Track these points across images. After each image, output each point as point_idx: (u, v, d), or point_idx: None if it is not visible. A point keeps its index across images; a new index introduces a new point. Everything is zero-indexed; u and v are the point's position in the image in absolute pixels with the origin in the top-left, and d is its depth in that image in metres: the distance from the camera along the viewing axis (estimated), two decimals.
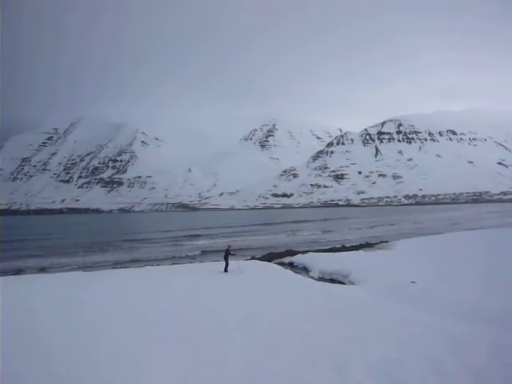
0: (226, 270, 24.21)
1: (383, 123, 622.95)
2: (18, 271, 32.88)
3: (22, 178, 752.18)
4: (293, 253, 35.87)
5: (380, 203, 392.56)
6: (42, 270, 34.28)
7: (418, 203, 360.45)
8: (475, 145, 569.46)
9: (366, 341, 10.77)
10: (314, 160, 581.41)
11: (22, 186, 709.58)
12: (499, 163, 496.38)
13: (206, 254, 43.47)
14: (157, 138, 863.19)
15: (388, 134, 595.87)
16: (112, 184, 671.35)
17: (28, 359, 9.98)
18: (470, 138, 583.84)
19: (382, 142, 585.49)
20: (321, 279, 24.47)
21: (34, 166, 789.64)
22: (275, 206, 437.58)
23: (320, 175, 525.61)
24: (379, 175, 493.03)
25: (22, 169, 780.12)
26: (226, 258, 24.64)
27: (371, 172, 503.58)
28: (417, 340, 10.71)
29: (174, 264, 34.25)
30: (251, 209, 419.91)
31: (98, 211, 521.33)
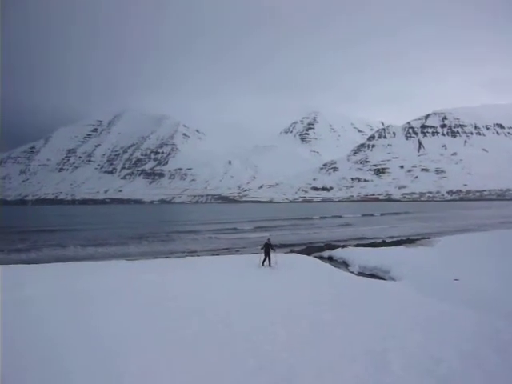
0: (266, 264, 23.48)
1: (427, 116, 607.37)
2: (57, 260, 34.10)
3: (67, 169, 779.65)
4: (332, 247, 35.68)
5: (422, 198, 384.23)
6: (85, 258, 35.39)
7: (461, 199, 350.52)
8: None
9: (408, 337, 10.65)
10: (355, 153, 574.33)
11: (68, 177, 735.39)
12: None
13: (245, 245, 43.74)
14: (198, 131, 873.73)
15: (432, 127, 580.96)
16: (153, 175, 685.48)
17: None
18: None
19: (425, 135, 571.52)
20: (360, 274, 24.23)
21: (79, 157, 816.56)
22: (314, 199, 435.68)
23: (360, 169, 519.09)
24: (422, 170, 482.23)
25: (68, 160, 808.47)
26: (266, 252, 23.53)
27: (413, 166, 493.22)
28: (460, 338, 10.51)
29: (213, 255, 34.75)
30: (290, 202, 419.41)
31: (139, 202, 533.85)
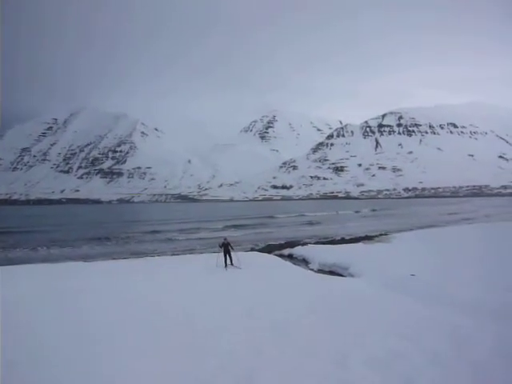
0: (226, 265, 23.04)
1: (384, 116, 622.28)
2: (9, 261, 32.88)
3: (21, 168, 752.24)
4: (292, 245, 35.89)
5: (379, 196, 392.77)
6: (40, 260, 34.25)
7: (417, 196, 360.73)
8: (476, 138, 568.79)
9: (367, 333, 10.81)
10: (314, 152, 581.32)
11: (22, 176, 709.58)
12: (500, 157, 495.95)
13: (206, 245, 43.46)
14: (156, 129, 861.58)
15: (388, 126, 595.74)
16: (112, 175, 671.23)
17: (23, 348, 10.01)
18: (470, 132, 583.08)
19: (382, 134, 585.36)
20: (320, 271, 24.50)
21: (34, 156, 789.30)
22: (274, 197, 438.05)
23: (320, 167, 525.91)
24: (379, 168, 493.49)
25: (22, 159, 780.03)
26: (225, 252, 23.28)
27: (371, 164, 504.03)
28: (418, 333, 10.74)
29: (173, 255, 34.36)
30: (250, 200, 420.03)
31: (97, 202, 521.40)
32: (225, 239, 23.87)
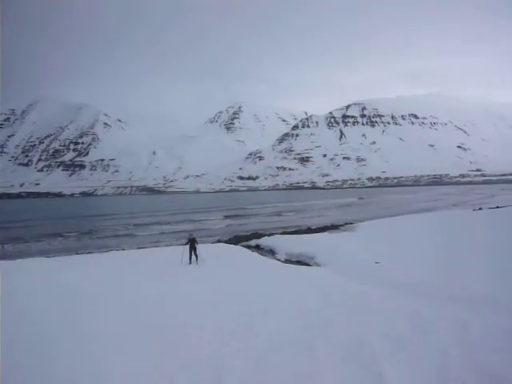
0: (193, 260, 22.43)
1: (348, 106, 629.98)
2: None
3: None
4: (259, 235, 35.99)
5: (344, 186, 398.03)
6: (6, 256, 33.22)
7: (380, 185, 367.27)
8: (436, 129, 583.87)
9: (331, 322, 10.92)
10: (280, 143, 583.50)
11: None
12: (458, 147, 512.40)
13: (172, 238, 43.11)
14: (120, 120, 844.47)
15: (352, 117, 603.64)
16: (73, 167, 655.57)
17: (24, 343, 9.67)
18: (431, 122, 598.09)
19: (346, 125, 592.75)
20: (287, 261, 24.64)
21: None
22: (241, 188, 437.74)
23: (285, 158, 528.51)
24: (343, 158, 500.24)
25: None
26: (191, 248, 22.54)
27: (336, 155, 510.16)
28: (382, 321, 10.90)
29: (139, 248, 33.95)
30: (217, 192, 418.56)
31: (59, 195, 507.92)
32: (190, 235, 23.35)
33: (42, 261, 25.66)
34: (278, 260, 25.14)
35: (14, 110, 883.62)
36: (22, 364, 8.87)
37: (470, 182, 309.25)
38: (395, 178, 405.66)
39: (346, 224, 42.15)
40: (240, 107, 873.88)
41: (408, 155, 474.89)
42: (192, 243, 22.59)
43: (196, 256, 22.52)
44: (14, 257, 30.48)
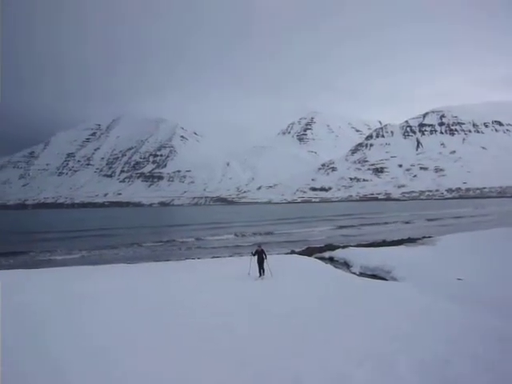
0: (260, 275, 20.79)
1: (425, 115, 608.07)
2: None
3: (67, 173, 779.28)
4: (333, 247, 35.52)
5: (421, 197, 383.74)
6: (84, 263, 35.22)
7: (461, 197, 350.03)
8: None
9: (414, 339, 10.49)
10: (353, 153, 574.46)
11: (67, 181, 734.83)
12: None
13: (245, 247, 43.61)
14: (195, 133, 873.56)
15: (430, 125, 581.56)
16: (152, 178, 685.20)
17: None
18: None
19: (423, 134, 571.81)
20: (362, 274, 24.11)
21: (79, 161, 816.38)
22: (313, 199, 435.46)
23: (359, 169, 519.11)
24: (420, 168, 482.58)
25: (67, 164, 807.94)
26: (259, 261, 20.91)
27: (412, 165, 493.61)
28: (466, 339, 10.34)
29: (213, 257, 34.65)
30: (289, 202, 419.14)
31: (139, 205, 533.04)
32: (259, 246, 21.70)
33: (125, 267, 26.87)
34: (353, 273, 24.65)
35: (99, 125, 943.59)
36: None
37: None
38: (477, 188, 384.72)
39: (424, 237, 40.47)
40: (312, 118, 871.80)
41: (492, 165, 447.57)
42: (260, 255, 21.02)
43: (263, 270, 20.97)
44: (102, 263, 32.23)
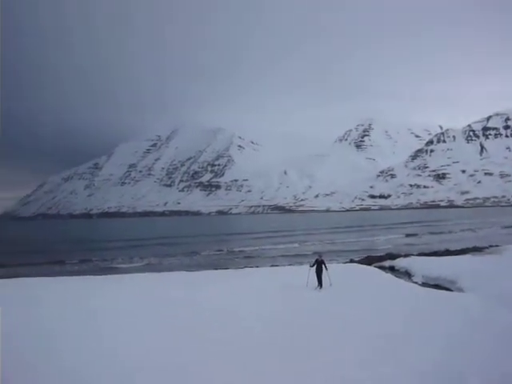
0: (319, 286, 20.24)
1: (488, 118, 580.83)
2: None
3: (129, 183, 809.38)
4: (393, 256, 34.72)
5: (486, 204, 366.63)
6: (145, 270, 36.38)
7: None
8: None
9: (483, 352, 10.11)
10: (413, 159, 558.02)
11: (129, 190, 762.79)
12: None
13: (304, 256, 43.52)
14: (252, 142, 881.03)
15: (494, 129, 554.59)
16: (210, 187, 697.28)
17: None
18: None
19: (487, 138, 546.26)
20: (424, 284, 23.40)
21: (140, 171, 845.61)
22: (372, 207, 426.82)
23: (419, 175, 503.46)
24: (485, 174, 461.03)
25: (129, 174, 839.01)
26: (318, 271, 20.31)
27: (476, 171, 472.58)
28: None
29: (272, 266, 34.82)
30: (347, 210, 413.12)
31: (197, 214, 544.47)
32: (319, 256, 21.02)
33: (187, 274, 27.59)
34: (415, 283, 23.99)
35: (159, 136, 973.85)
36: None
37: None
38: None
39: (491, 246, 38.71)
40: (370, 124, 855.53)
41: None
42: (319, 265, 20.39)
43: (321, 281, 20.35)
44: (164, 270, 33.27)
